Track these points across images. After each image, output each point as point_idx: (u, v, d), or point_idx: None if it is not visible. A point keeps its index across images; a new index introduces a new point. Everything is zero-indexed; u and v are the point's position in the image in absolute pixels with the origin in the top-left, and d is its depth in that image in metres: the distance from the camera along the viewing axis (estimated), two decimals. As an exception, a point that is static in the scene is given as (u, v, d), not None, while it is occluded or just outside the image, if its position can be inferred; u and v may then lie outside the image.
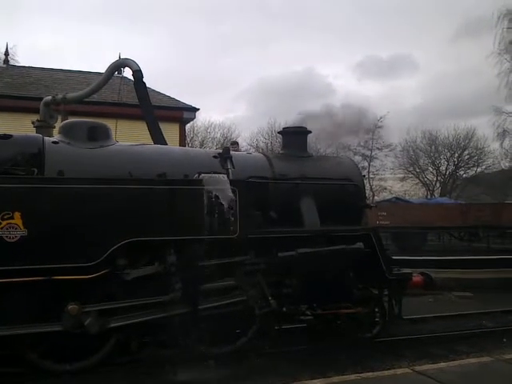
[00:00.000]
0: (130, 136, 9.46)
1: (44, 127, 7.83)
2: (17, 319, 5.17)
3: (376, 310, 7.39)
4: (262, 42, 69.90)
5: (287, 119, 8.25)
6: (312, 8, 68.38)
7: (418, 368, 5.78)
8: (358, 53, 49.95)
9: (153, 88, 15.34)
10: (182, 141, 17.32)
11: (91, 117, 8.44)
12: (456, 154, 45.30)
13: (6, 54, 19.47)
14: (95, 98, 11.34)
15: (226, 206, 5.86)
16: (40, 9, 65.31)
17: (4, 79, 16.94)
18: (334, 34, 70.68)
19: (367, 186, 35.01)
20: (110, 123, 6.85)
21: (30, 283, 5.06)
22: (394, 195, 36.91)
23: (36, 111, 8.47)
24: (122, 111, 10.97)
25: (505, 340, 7.89)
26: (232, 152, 6.96)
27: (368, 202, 8.42)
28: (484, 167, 44.62)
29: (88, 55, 55.31)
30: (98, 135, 6.33)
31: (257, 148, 40.54)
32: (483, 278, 13.68)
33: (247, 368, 6.02)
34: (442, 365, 5.96)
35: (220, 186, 5.88)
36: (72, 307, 5.29)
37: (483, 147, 43.45)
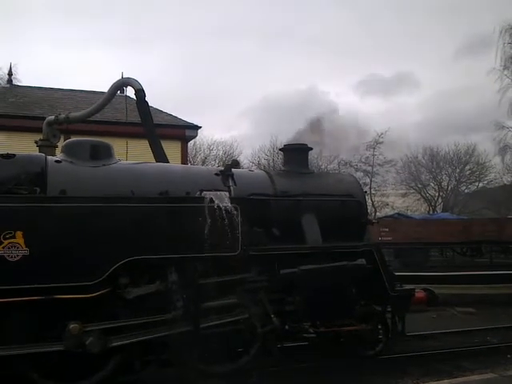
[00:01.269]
0: (135, 154, 9.48)
1: (47, 146, 7.87)
2: (18, 339, 5.14)
3: (379, 326, 7.35)
4: (264, 60, 70.38)
5: (289, 136, 8.25)
6: (313, 26, 69.05)
7: (422, 385, 5.75)
8: (360, 70, 50.18)
9: (155, 106, 15.45)
10: (184, 158, 17.38)
11: (95, 136, 8.49)
12: (457, 170, 45.34)
13: (10, 73, 19.66)
14: (98, 117, 11.42)
15: (227, 223, 5.87)
16: (41, 27, 65.97)
17: (8, 99, 17.08)
18: (335, 51, 71.29)
19: (369, 202, 34.95)
20: (114, 142, 6.89)
21: (32, 302, 5.05)
22: (396, 211, 36.89)
23: (39, 130, 8.52)
24: (126, 130, 11.04)
25: (509, 356, 7.84)
26: (234, 169, 7.00)
27: (370, 217, 8.42)
28: (486, 182, 44.66)
29: (89, 75, 55.69)
30: (101, 154, 6.35)
31: (258, 165, 40.61)
32: (486, 294, 13.61)
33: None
34: (446, 382, 5.94)
35: (222, 203, 5.90)
36: (73, 326, 5.26)
37: (484, 162, 43.55)
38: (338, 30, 72.60)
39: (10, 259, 4.89)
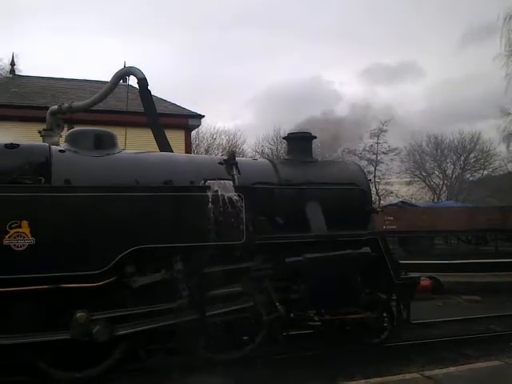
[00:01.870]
0: (138, 144, 9.46)
1: (50, 136, 7.87)
2: (25, 328, 5.18)
3: (384, 314, 7.36)
4: (269, 49, 70.02)
5: (293, 125, 8.23)
6: (317, 15, 68.54)
7: (427, 373, 5.76)
8: (365, 59, 49.97)
9: (158, 96, 15.41)
10: (188, 147, 17.37)
11: (98, 125, 8.47)
12: (462, 157, 45.21)
13: (12, 64, 19.62)
14: (101, 106, 11.40)
15: (232, 212, 5.87)
16: (43, 16, 65.75)
17: (11, 89, 17.07)
18: (340, 40, 70.85)
19: (373, 191, 34.92)
20: (117, 131, 6.88)
21: (38, 292, 5.08)
22: (400, 199, 36.85)
23: (43, 120, 8.52)
24: (128, 119, 11.00)
25: (512, 344, 7.85)
26: (237, 158, 6.98)
27: (374, 206, 8.39)
28: (490, 170, 44.53)
29: (93, 64, 55.56)
30: (104, 143, 6.35)
31: (262, 154, 40.58)
32: (491, 282, 13.62)
33: (255, 375, 6.00)
34: (452, 369, 5.93)
35: (226, 192, 5.90)
36: (80, 315, 5.30)
37: (489, 150, 43.41)
38: (342, 19, 72.05)
39: (16, 249, 4.92)
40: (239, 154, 34.07)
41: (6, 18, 60.37)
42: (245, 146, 42.51)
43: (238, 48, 70.11)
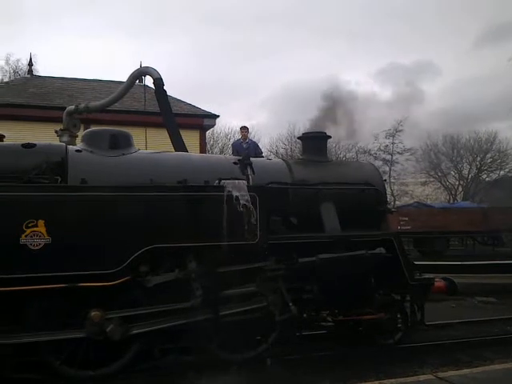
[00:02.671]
0: (157, 144, 9.52)
1: (67, 136, 7.96)
2: (40, 326, 5.25)
3: (398, 315, 7.32)
4: (284, 48, 69.88)
5: (307, 125, 8.23)
6: (333, 15, 68.28)
7: (441, 374, 5.72)
8: (380, 59, 49.81)
9: (173, 95, 15.49)
10: (203, 147, 17.45)
11: (116, 125, 8.55)
12: (478, 158, 44.71)
13: (30, 64, 19.88)
14: (117, 106, 11.50)
15: (246, 211, 5.89)
16: (61, 17, 66.38)
17: (29, 89, 17.28)
18: (355, 40, 70.54)
19: (388, 191, 34.70)
20: (135, 132, 6.93)
21: (54, 290, 5.15)
22: (415, 200, 36.56)
23: (60, 120, 8.62)
24: (147, 119, 11.10)
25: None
26: (252, 158, 7.00)
27: (389, 206, 8.35)
28: (507, 170, 43.98)
29: (109, 65, 55.94)
30: (120, 143, 6.41)
31: (276, 154, 40.52)
32: (507, 283, 13.46)
33: (268, 375, 6.01)
34: (466, 371, 5.88)
35: (240, 192, 5.92)
36: (95, 314, 5.36)
37: (506, 150, 42.87)
38: (358, 18, 71.69)
39: (33, 247, 4.98)
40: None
41: (23, 20, 61.06)
42: (259, 145, 42.42)
43: (251, 48, 70.00)
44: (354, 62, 66.95)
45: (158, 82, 7.88)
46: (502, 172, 44.04)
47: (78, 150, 6.16)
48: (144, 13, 70.74)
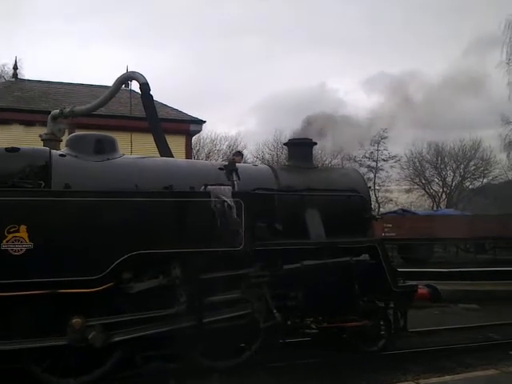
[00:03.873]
0: (142, 148, 9.47)
1: (51, 140, 7.90)
2: (21, 333, 5.18)
3: (381, 322, 7.35)
4: (272, 56, 70.03)
5: (293, 131, 8.24)
6: (321, 23, 68.66)
7: (423, 381, 5.76)
8: (366, 68, 50.04)
9: (159, 101, 15.44)
10: (189, 153, 17.39)
11: (99, 130, 8.49)
12: (462, 165, 45.20)
13: (15, 67, 19.67)
14: (103, 111, 11.43)
15: (231, 217, 5.87)
16: (46, 22, 65.95)
17: (13, 93, 17.11)
18: (343, 49, 71.02)
19: (373, 198, 34.91)
20: (119, 136, 6.89)
21: (35, 297, 5.07)
22: (399, 207, 36.82)
23: (45, 124, 8.54)
24: (133, 124, 11.04)
25: (510, 352, 7.82)
26: (238, 164, 6.99)
27: (374, 213, 8.40)
28: (490, 178, 44.51)
29: (95, 69, 55.64)
30: (105, 148, 6.36)
31: (262, 160, 40.59)
32: (490, 290, 13.59)
33: (251, 382, 5.99)
34: (447, 378, 5.93)
35: (226, 198, 5.90)
36: (76, 321, 5.30)
37: (489, 158, 43.41)
38: (345, 28, 72.19)
39: (14, 253, 4.92)
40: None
41: (9, 23, 60.55)
42: (245, 152, 42.52)
43: (239, 56, 70.07)
44: (343, 69, 67.42)
45: (144, 86, 7.86)
46: (485, 180, 44.63)
47: (62, 155, 6.10)
48: (132, 18, 70.58)
